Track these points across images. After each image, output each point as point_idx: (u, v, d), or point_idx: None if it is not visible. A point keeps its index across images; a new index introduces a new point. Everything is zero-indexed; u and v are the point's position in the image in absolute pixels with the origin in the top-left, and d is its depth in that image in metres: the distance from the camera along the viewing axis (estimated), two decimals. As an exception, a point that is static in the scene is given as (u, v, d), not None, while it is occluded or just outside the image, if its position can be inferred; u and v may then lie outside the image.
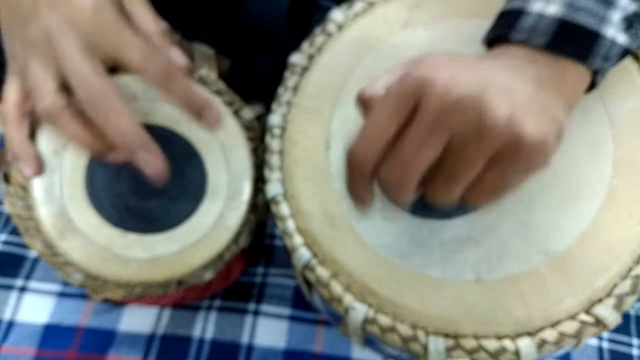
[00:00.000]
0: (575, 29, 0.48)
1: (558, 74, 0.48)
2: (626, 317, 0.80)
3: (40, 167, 0.60)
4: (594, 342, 0.78)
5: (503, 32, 0.50)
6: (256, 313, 0.79)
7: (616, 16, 0.48)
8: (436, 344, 0.51)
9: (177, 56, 0.59)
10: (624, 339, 0.79)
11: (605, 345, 0.78)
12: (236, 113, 0.64)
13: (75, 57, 0.53)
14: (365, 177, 0.46)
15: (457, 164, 0.44)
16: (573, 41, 0.48)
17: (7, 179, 0.62)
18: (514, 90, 0.43)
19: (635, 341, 0.79)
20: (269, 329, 0.77)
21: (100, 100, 0.53)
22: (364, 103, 0.49)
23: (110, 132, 0.53)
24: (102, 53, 0.54)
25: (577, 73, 0.49)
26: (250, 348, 0.76)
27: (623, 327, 0.80)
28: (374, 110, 0.45)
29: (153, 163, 0.56)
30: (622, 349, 0.78)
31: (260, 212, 0.66)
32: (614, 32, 0.48)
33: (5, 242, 0.82)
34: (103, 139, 0.55)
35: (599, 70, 0.49)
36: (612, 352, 0.78)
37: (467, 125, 0.42)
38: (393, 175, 0.45)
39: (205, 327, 0.77)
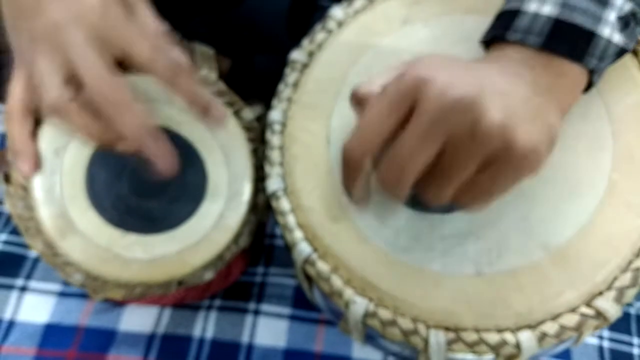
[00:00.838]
0: (570, 28, 0.48)
1: (554, 78, 0.48)
2: (627, 316, 0.80)
3: (37, 165, 0.60)
4: (594, 341, 0.78)
5: (499, 32, 0.51)
6: (256, 312, 0.79)
7: (612, 15, 0.49)
8: (437, 338, 0.51)
9: (179, 56, 0.58)
10: (625, 338, 0.79)
11: (606, 344, 0.78)
12: (237, 114, 0.65)
13: (84, 51, 0.52)
14: (359, 173, 0.47)
15: (450, 166, 0.44)
16: (567, 40, 0.48)
17: (7, 179, 0.62)
18: (509, 95, 0.44)
19: (635, 340, 0.79)
20: (269, 329, 0.77)
21: (112, 94, 0.52)
22: (358, 100, 0.49)
23: (121, 127, 0.53)
24: (110, 47, 0.54)
25: (573, 74, 0.50)
26: (250, 347, 0.76)
27: (624, 326, 0.80)
28: (370, 106, 0.45)
29: (162, 157, 0.56)
30: (623, 348, 0.78)
31: (261, 212, 0.66)
32: (610, 32, 0.49)
33: (6, 242, 0.82)
34: (112, 131, 0.54)
35: (594, 70, 0.50)
36: (613, 352, 0.78)
37: (462, 128, 0.42)
38: (389, 175, 0.45)
39: (206, 326, 0.77)
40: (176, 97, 0.56)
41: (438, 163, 0.44)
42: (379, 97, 0.45)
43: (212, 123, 0.59)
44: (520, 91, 0.46)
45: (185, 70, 0.56)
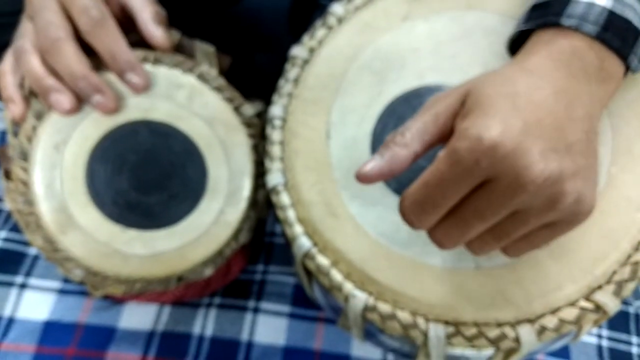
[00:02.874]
0: (622, 22, 0.47)
1: (603, 75, 0.48)
2: (625, 315, 0.81)
3: (26, 109, 0.61)
4: (593, 340, 0.78)
5: (552, 19, 0.49)
6: (256, 310, 0.79)
7: None
8: (436, 331, 0.51)
9: (159, 34, 0.62)
10: (624, 337, 0.79)
11: (605, 343, 0.78)
12: (237, 109, 0.65)
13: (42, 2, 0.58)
14: (416, 227, 0.46)
15: (514, 229, 0.44)
16: (619, 34, 0.47)
17: (7, 175, 0.62)
18: (582, 168, 0.43)
19: (634, 339, 0.79)
20: (269, 326, 0.78)
21: (55, 47, 0.57)
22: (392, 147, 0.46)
23: (65, 76, 0.58)
24: None
25: (616, 71, 0.49)
26: (249, 345, 0.76)
27: (622, 325, 0.80)
28: (437, 169, 0.42)
29: (103, 103, 0.60)
30: (622, 347, 0.78)
31: (261, 208, 0.66)
32: None
33: (6, 240, 0.82)
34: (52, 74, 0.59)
35: (632, 70, 0.49)
36: (612, 350, 0.78)
37: (540, 201, 0.41)
38: (449, 235, 0.45)
39: (205, 324, 0.77)
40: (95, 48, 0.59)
41: (500, 223, 0.44)
42: (448, 159, 0.42)
43: (131, 88, 0.61)
44: (589, 149, 0.44)
45: (111, 28, 0.59)
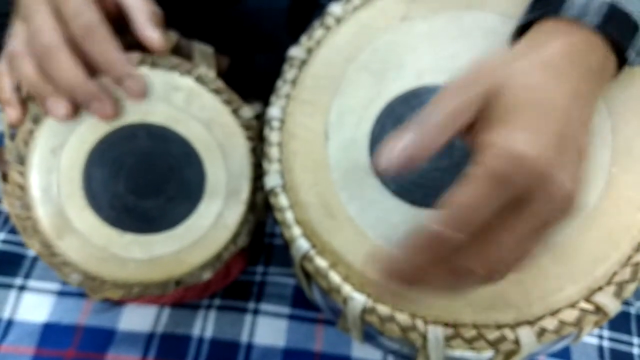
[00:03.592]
0: (622, 15, 0.47)
1: (601, 67, 0.48)
2: (627, 315, 0.80)
3: (23, 112, 0.61)
4: (594, 341, 0.78)
5: (550, 10, 0.48)
6: (256, 312, 0.79)
7: None
8: (435, 333, 0.51)
9: (155, 37, 0.61)
10: (625, 337, 0.79)
11: (606, 344, 0.78)
12: (235, 112, 0.64)
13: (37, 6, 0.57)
14: (438, 258, 0.42)
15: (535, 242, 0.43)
16: (619, 27, 0.47)
17: (4, 178, 0.62)
18: (582, 170, 0.43)
19: (635, 340, 0.79)
20: (269, 328, 0.77)
21: (48, 54, 0.56)
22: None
23: (60, 85, 0.57)
24: None
25: (612, 64, 0.49)
26: (249, 347, 0.76)
27: (624, 326, 0.80)
28: (472, 186, 0.41)
29: (101, 110, 0.59)
30: (623, 347, 0.78)
31: (260, 211, 0.65)
32: None
33: (5, 241, 0.82)
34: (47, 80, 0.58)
35: (629, 64, 0.49)
36: (613, 351, 0.78)
37: (559, 216, 0.42)
38: (480, 268, 0.42)
39: (205, 325, 0.77)
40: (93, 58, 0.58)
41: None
42: (486, 176, 0.40)
43: (129, 95, 0.60)
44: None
45: (103, 35, 0.57)
